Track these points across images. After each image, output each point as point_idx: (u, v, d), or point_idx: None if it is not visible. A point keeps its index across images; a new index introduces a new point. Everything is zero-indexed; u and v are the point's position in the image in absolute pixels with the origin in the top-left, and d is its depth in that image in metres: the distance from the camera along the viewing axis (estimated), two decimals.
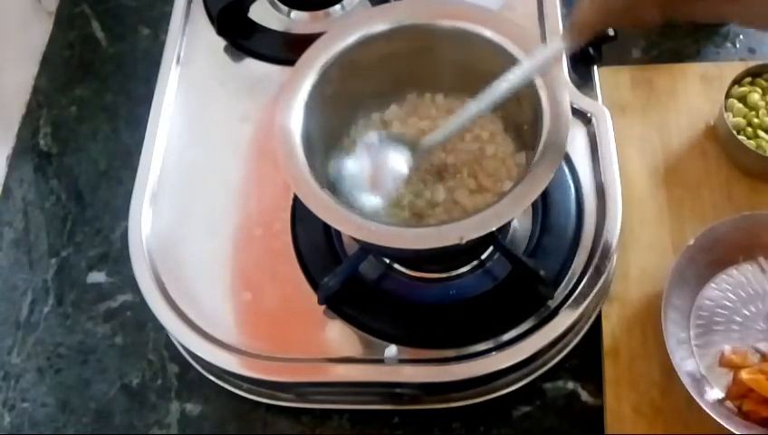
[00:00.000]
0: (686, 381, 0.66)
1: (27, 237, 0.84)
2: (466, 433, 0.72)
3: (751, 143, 0.77)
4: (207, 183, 0.80)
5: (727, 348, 0.70)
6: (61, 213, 0.86)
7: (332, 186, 0.67)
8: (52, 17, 0.99)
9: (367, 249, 0.71)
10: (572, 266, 0.72)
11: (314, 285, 0.73)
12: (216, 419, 0.74)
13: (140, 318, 0.78)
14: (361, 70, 0.72)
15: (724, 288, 0.73)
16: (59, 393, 0.76)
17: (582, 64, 0.83)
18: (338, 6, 0.90)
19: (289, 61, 0.72)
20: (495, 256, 0.73)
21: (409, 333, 0.71)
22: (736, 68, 0.81)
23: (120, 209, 0.82)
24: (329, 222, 0.65)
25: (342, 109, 0.73)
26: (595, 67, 0.83)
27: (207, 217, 0.78)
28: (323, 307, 0.72)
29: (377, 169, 0.68)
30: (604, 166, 0.76)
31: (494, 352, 0.69)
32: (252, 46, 0.88)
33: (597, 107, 0.79)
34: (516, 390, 0.71)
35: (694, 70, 0.85)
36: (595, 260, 0.71)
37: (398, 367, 0.69)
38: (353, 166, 0.68)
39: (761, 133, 0.77)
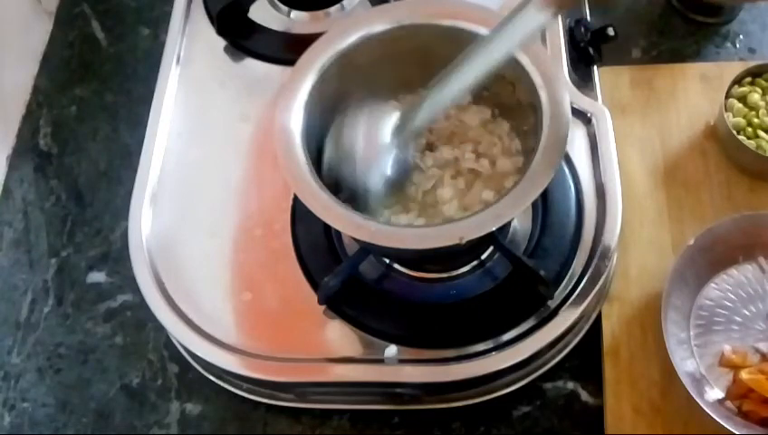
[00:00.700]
0: (686, 381, 0.66)
1: (27, 237, 0.84)
2: (466, 433, 0.72)
3: (751, 143, 0.77)
4: (207, 183, 0.80)
5: (727, 348, 0.70)
6: (61, 213, 0.86)
7: (329, 169, 0.68)
8: (52, 17, 0.98)
9: (367, 249, 0.71)
10: (572, 266, 0.72)
11: (314, 285, 0.73)
12: (216, 419, 0.74)
13: (140, 318, 0.78)
14: (361, 70, 0.72)
15: (724, 288, 0.73)
16: (59, 393, 0.76)
17: (582, 64, 0.83)
18: (338, 6, 0.90)
19: (289, 61, 0.72)
20: (495, 256, 0.73)
21: (409, 333, 0.71)
22: (736, 68, 0.81)
23: (120, 209, 0.82)
24: (329, 222, 0.65)
25: (342, 109, 0.73)
26: (595, 67, 0.83)
27: (207, 216, 0.78)
28: (323, 307, 0.72)
29: (365, 139, 0.68)
30: (604, 166, 0.76)
31: (494, 353, 0.69)
32: (252, 46, 0.88)
33: (597, 107, 0.79)
34: (516, 390, 0.71)
35: (694, 70, 0.85)
36: (595, 260, 0.71)
37: (399, 367, 0.69)
38: (345, 136, 0.69)
39: (761, 133, 0.77)
